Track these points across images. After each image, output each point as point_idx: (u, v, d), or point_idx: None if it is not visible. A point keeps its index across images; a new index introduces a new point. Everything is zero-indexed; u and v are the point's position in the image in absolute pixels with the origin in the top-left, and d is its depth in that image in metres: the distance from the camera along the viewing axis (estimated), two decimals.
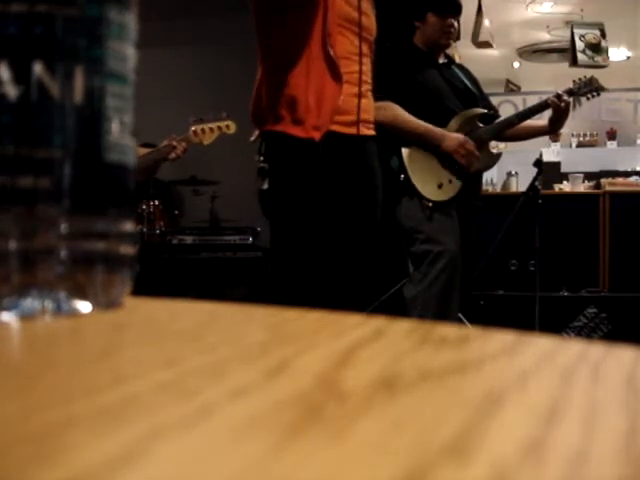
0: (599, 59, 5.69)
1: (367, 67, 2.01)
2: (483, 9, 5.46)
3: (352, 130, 1.95)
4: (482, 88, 3.06)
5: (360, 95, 1.97)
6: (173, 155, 4.06)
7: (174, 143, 4.03)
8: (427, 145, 2.73)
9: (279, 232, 1.96)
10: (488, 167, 3.04)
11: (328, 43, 1.88)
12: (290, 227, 1.92)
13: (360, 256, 2.01)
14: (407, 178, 2.72)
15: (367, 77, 2.01)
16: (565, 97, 2.86)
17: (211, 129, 4.12)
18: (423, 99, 2.73)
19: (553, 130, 3.01)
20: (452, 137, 2.74)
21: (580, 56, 5.33)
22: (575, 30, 5.35)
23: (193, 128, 4.10)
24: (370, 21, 2.02)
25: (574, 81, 3.15)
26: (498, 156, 2.99)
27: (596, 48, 5.69)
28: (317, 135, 1.88)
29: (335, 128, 1.91)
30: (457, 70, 2.96)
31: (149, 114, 4.09)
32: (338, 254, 1.97)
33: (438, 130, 2.73)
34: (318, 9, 1.86)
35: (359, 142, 1.98)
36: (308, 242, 1.91)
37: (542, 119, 3.09)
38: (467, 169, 2.77)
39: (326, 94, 1.88)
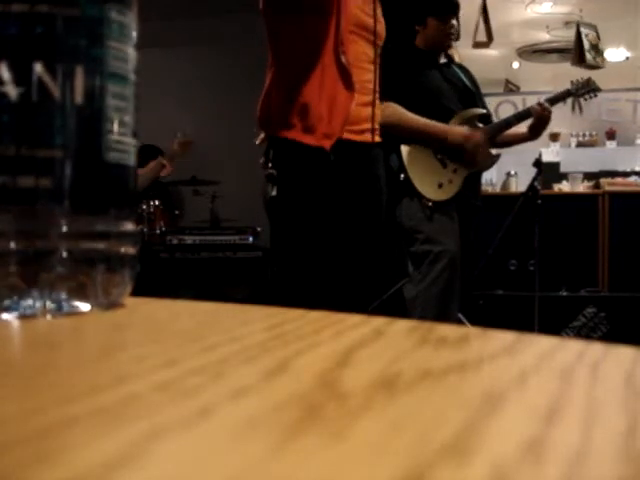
0: (599, 60, 5.71)
1: (379, 76, 2.00)
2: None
3: (363, 138, 1.94)
4: (480, 88, 3.06)
5: (373, 104, 1.95)
6: (165, 172, 4.34)
7: (164, 162, 4.30)
8: (431, 142, 2.73)
9: (284, 236, 1.95)
10: (487, 167, 3.04)
11: (340, 50, 1.86)
12: (296, 231, 1.90)
13: (362, 258, 2.01)
14: (407, 178, 2.72)
15: (378, 86, 2.00)
16: (546, 105, 2.88)
17: (184, 144, 4.44)
18: (423, 99, 2.73)
19: (533, 137, 3.02)
20: (456, 131, 2.74)
21: (587, 55, 5.34)
22: (582, 29, 5.36)
23: (175, 144, 4.39)
24: (382, 28, 2.00)
25: (572, 82, 3.16)
26: (497, 157, 2.99)
27: (596, 49, 5.71)
28: (328, 144, 1.86)
29: (347, 136, 1.89)
30: (457, 70, 2.96)
31: (149, 114, 4.10)
32: (341, 256, 1.97)
33: (441, 125, 2.73)
34: (332, 15, 1.84)
35: (366, 149, 1.97)
36: (313, 246, 1.90)
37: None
38: (475, 160, 2.78)
39: (338, 102, 1.87)
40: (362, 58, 1.92)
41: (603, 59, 5.65)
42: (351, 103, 1.88)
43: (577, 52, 5.59)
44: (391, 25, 2.09)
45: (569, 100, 3.20)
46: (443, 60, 2.91)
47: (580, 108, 6.69)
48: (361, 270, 2.01)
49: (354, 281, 2.00)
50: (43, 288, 0.33)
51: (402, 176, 2.72)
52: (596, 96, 3.25)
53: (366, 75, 1.93)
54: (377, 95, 2.00)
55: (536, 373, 0.22)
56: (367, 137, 1.95)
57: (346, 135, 1.89)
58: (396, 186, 2.67)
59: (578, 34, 5.66)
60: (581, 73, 3.55)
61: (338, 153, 1.88)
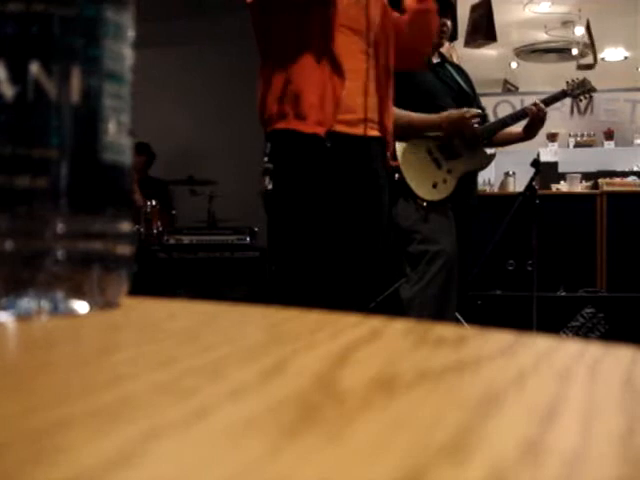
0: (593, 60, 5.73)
1: (373, 64, 2.00)
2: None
3: (358, 130, 1.95)
4: (475, 88, 3.07)
5: (366, 93, 1.96)
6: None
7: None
8: (427, 133, 2.73)
9: (281, 231, 1.96)
10: (483, 167, 3.05)
11: (330, 40, 1.88)
12: (293, 226, 1.92)
13: (362, 257, 2.01)
14: (401, 177, 2.72)
15: (373, 75, 2.01)
16: (542, 106, 2.90)
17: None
18: (417, 99, 2.73)
19: (528, 137, 3.04)
20: (447, 117, 2.74)
21: (596, 54, 5.39)
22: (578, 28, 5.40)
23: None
24: (376, 18, 2.01)
25: (567, 82, 3.19)
26: (492, 156, 3.00)
27: (589, 48, 5.73)
28: (321, 130, 1.87)
29: (341, 128, 1.90)
30: (451, 69, 2.96)
31: (147, 114, 4.10)
32: (340, 254, 1.97)
33: (433, 116, 2.74)
34: (321, 7, 1.86)
35: (364, 143, 1.97)
36: (310, 242, 1.91)
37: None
38: (475, 135, 2.78)
39: (328, 89, 1.88)
40: (353, 48, 1.94)
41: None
42: (342, 90, 1.89)
43: (592, 49, 5.61)
44: None
45: (567, 101, 3.23)
46: (437, 60, 2.92)
47: (579, 109, 6.71)
48: (359, 268, 2.01)
49: (352, 279, 2.00)
50: (39, 288, 0.33)
51: (396, 175, 2.72)
52: (591, 97, 3.29)
53: (359, 64, 1.94)
54: (374, 85, 2.00)
55: (534, 373, 0.22)
56: (360, 129, 1.95)
57: (341, 127, 1.90)
58: (392, 186, 2.67)
59: (589, 32, 5.67)
60: (579, 73, 3.57)
61: (333, 145, 1.88)
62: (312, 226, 1.91)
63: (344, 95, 1.90)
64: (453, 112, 2.76)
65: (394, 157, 2.70)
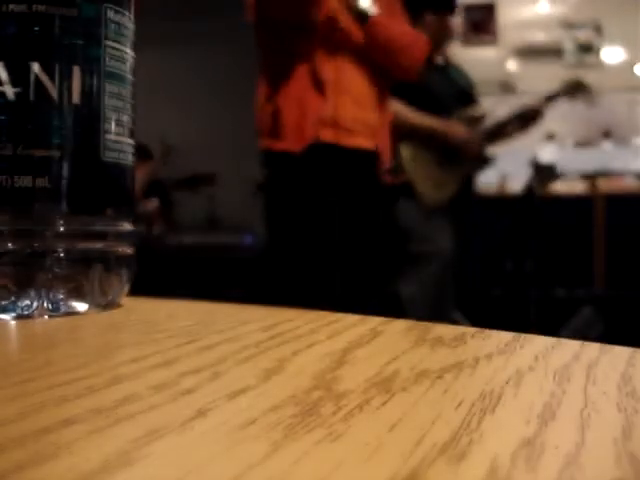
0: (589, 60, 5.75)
1: (365, 77, 2.00)
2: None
3: (347, 142, 1.95)
4: (475, 89, 3.08)
5: (360, 106, 1.97)
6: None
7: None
8: (432, 139, 2.73)
9: (277, 239, 1.98)
10: (481, 168, 3.05)
11: (313, 56, 1.88)
12: (287, 236, 1.94)
13: (362, 258, 2.02)
14: (406, 177, 2.72)
15: (365, 86, 2.01)
16: (539, 104, 2.99)
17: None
18: (420, 100, 2.73)
19: (521, 133, 3.11)
20: (458, 131, 2.76)
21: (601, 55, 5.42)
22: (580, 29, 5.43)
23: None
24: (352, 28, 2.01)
25: (562, 82, 3.23)
26: (492, 159, 3.01)
27: (587, 48, 5.76)
28: (297, 147, 1.88)
29: (329, 139, 1.91)
30: (453, 70, 2.97)
31: (149, 114, 4.09)
32: (340, 255, 1.98)
33: (442, 122, 2.74)
34: (307, 25, 1.87)
35: (357, 154, 1.98)
36: (311, 245, 1.93)
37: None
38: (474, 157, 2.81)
39: (308, 106, 1.89)
40: (345, 62, 1.94)
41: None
42: (322, 106, 1.89)
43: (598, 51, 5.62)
44: None
45: (566, 101, 3.25)
46: (440, 61, 2.92)
47: (577, 109, 6.71)
48: (359, 268, 2.02)
49: (352, 279, 2.01)
50: (40, 288, 0.33)
51: (401, 177, 2.72)
52: (590, 97, 3.32)
53: (348, 78, 1.95)
54: (368, 98, 2.01)
55: (531, 373, 0.22)
56: (349, 141, 1.96)
57: (331, 139, 1.90)
58: (393, 185, 2.67)
59: (600, 34, 5.68)
60: (576, 74, 3.58)
61: (316, 157, 1.89)
62: (312, 229, 1.92)
63: (335, 108, 1.90)
64: (459, 130, 2.77)
65: (396, 168, 2.71)
